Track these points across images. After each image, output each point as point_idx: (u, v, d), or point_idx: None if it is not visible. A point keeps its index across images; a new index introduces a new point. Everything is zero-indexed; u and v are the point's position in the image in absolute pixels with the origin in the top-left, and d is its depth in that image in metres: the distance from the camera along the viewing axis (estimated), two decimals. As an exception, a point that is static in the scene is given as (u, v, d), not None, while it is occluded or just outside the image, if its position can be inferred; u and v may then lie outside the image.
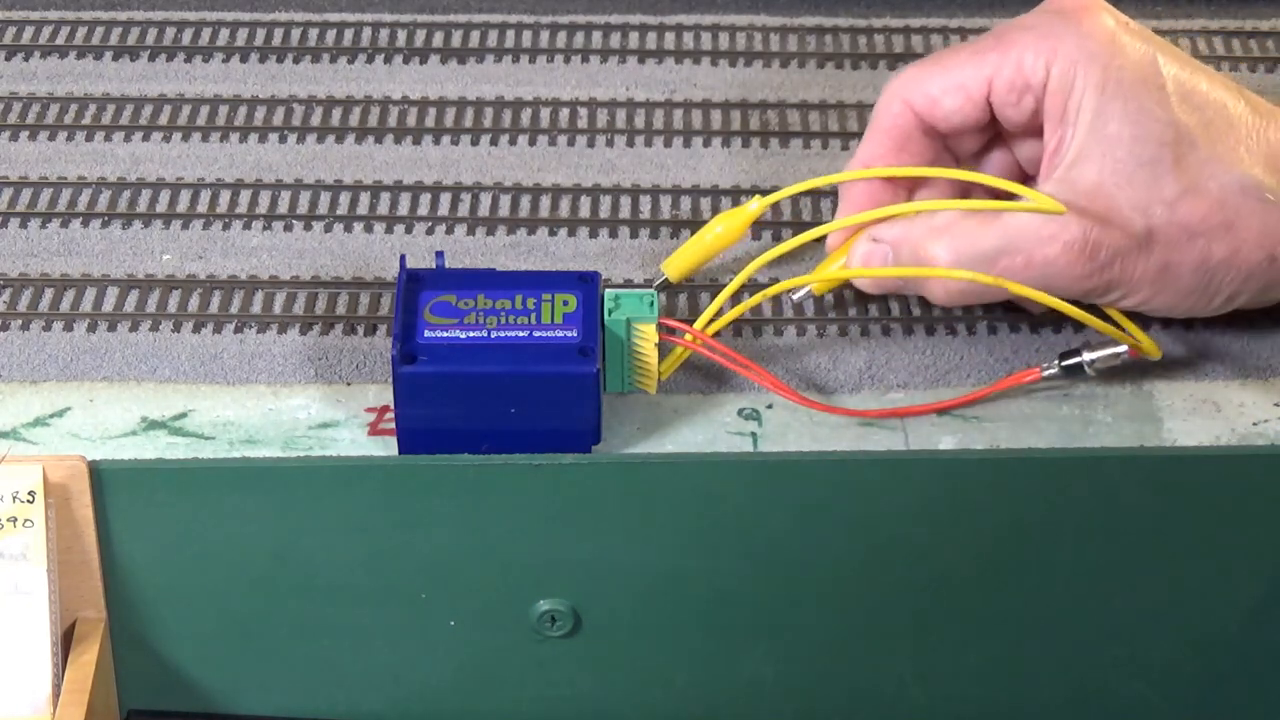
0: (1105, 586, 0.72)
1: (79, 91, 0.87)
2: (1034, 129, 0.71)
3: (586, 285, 0.68)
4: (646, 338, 0.68)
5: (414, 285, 0.68)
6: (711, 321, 0.70)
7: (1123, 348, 0.70)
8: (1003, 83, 0.70)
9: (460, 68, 0.89)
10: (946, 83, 0.71)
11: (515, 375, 0.66)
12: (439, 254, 0.70)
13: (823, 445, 0.69)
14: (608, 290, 0.68)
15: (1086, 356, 0.71)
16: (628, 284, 0.76)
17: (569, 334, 0.66)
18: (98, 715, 0.68)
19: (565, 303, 0.67)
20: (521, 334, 0.66)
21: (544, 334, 0.66)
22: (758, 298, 0.72)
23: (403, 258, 0.69)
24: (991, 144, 0.74)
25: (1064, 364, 0.71)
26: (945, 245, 0.68)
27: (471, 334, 0.66)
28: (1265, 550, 0.71)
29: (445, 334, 0.66)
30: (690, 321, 0.71)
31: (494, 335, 0.66)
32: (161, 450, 0.69)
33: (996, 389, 0.71)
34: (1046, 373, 0.71)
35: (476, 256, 0.77)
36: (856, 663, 0.73)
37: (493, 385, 0.66)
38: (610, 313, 0.68)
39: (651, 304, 0.68)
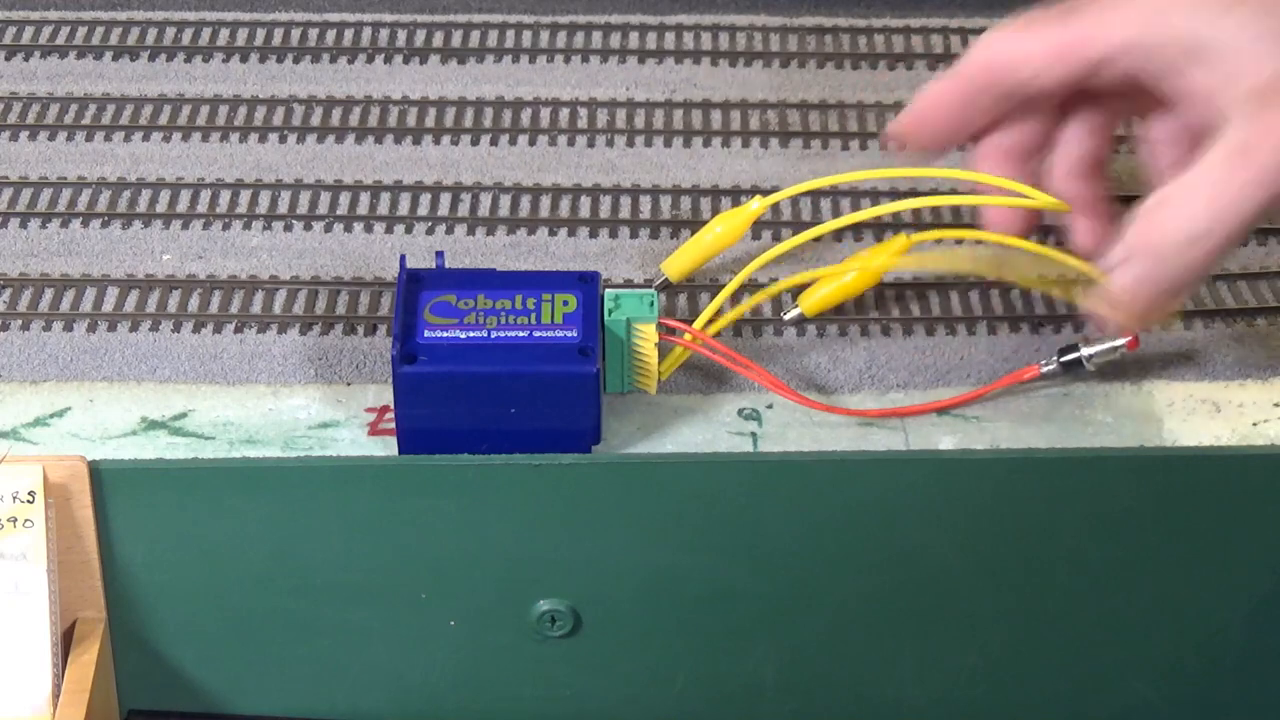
0: (1105, 586, 0.72)
1: (79, 91, 0.87)
2: (1127, 91, 0.69)
3: (586, 285, 0.68)
4: (646, 338, 0.68)
5: (414, 285, 0.68)
6: (711, 321, 0.70)
7: (1121, 342, 0.70)
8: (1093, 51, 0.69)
9: (460, 68, 0.89)
10: (1038, 45, 0.69)
11: (515, 375, 0.66)
12: (439, 254, 0.70)
13: (823, 445, 0.69)
14: (608, 290, 0.68)
15: (1085, 351, 0.71)
16: (628, 284, 0.76)
17: (569, 334, 0.66)
18: (98, 715, 0.68)
19: (565, 303, 0.67)
20: (521, 334, 0.66)
21: (544, 334, 0.66)
22: (760, 296, 0.72)
23: (402, 258, 0.69)
24: (1078, 106, 0.72)
25: (1063, 360, 0.71)
26: (1204, 207, 0.65)
27: (471, 334, 0.66)
28: (1265, 550, 0.71)
29: (445, 334, 0.66)
30: (690, 321, 0.71)
31: (494, 335, 0.66)
32: (161, 450, 0.69)
33: (996, 387, 0.71)
34: (1045, 369, 0.71)
35: (476, 256, 0.77)
36: (856, 663, 0.73)
37: (493, 385, 0.66)
38: (610, 313, 0.68)
39: (651, 304, 0.68)
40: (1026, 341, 0.74)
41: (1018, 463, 0.69)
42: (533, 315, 0.67)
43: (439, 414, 0.66)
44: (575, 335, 0.66)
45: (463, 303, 0.67)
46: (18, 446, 0.69)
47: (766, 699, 0.73)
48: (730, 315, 0.71)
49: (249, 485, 0.68)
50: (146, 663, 0.71)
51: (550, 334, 0.66)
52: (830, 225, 0.72)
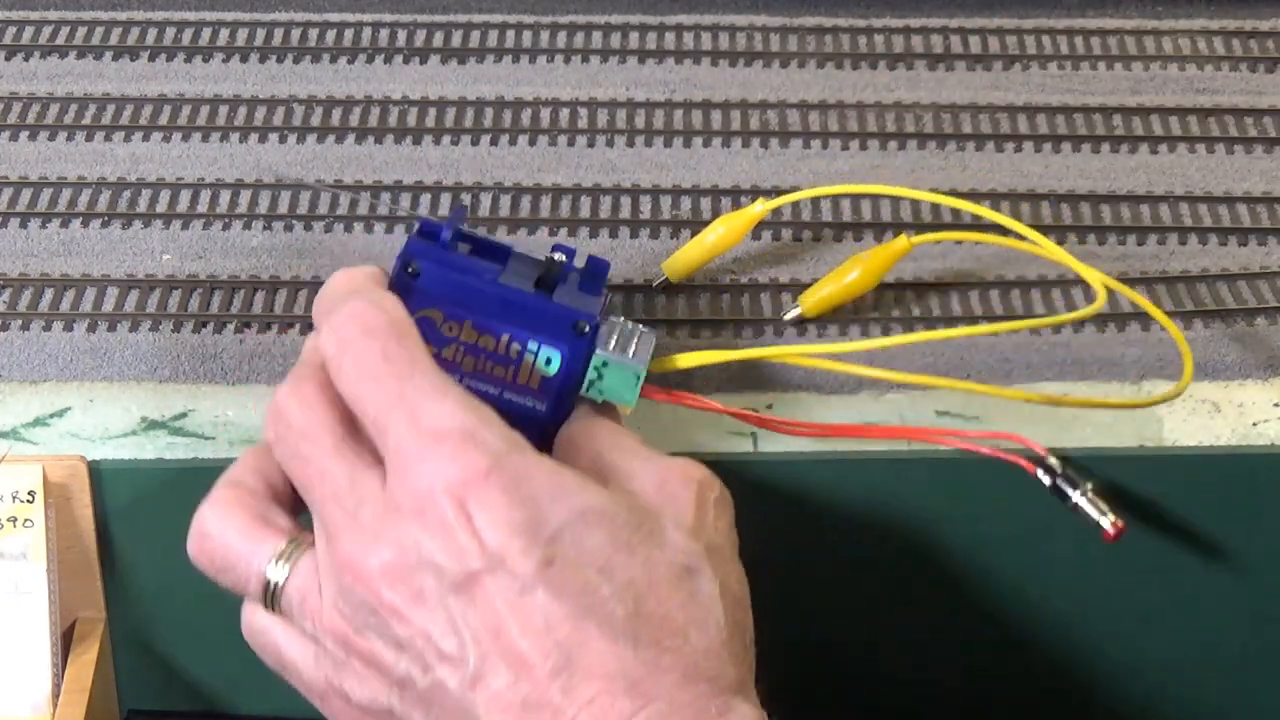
0: (1105, 587, 0.72)
1: (79, 91, 0.87)
2: None
3: (577, 341, 0.63)
4: (622, 412, 0.65)
5: (403, 292, 0.63)
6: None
7: (1105, 525, 0.65)
8: None
9: (460, 68, 0.89)
10: None
11: None
12: (460, 208, 0.65)
13: (823, 445, 0.69)
14: (596, 354, 0.63)
15: (1073, 498, 0.66)
16: (628, 284, 0.76)
17: (538, 405, 0.63)
18: (98, 715, 0.68)
19: (548, 361, 0.63)
20: (492, 390, 0.63)
21: (513, 397, 0.63)
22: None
23: (406, 248, 0.64)
24: None
25: (1052, 483, 0.66)
26: None
27: (446, 373, 0.63)
28: (1265, 550, 0.71)
29: None
30: (690, 323, 0.70)
31: (466, 380, 0.63)
32: (161, 450, 0.69)
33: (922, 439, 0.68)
34: (1040, 474, 0.67)
35: (476, 256, 0.77)
36: (855, 662, 0.73)
37: None
38: (590, 385, 0.63)
39: (636, 380, 0.64)
40: (1026, 341, 0.74)
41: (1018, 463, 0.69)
42: (510, 369, 0.63)
43: None
44: (542, 408, 0.63)
45: (447, 327, 0.63)
46: (18, 446, 0.69)
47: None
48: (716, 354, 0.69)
49: (249, 485, 0.68)
50: (146, 663, 0.71)
51: (519, 399, 0.63)
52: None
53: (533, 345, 0.63)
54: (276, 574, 0.58)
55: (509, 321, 0.63)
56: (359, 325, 0.58)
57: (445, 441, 0.55)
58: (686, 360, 0.67)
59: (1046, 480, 0.66)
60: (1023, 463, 0.66)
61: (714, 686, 0.54)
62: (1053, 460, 0.66)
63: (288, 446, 0.58)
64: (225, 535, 0.59)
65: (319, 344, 0.59)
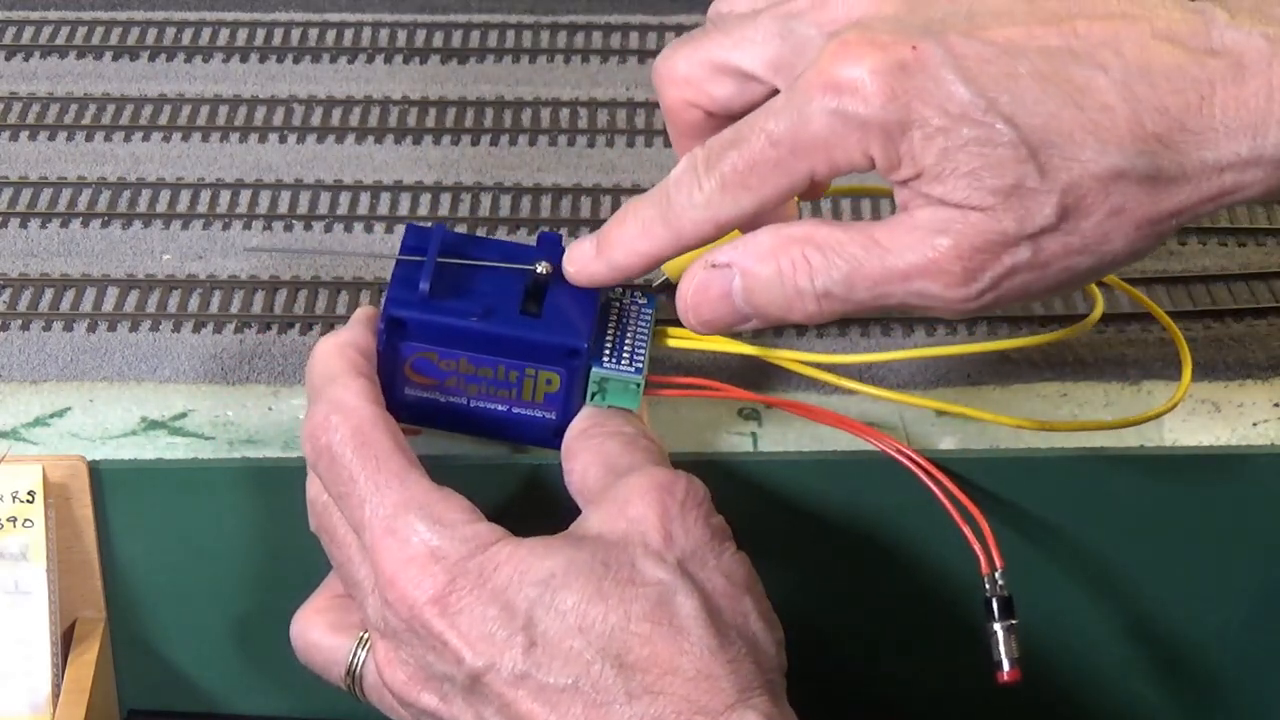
0: (1104, 586, 0.72)
1: (79, 91, 0.87)
2: None
3: (573, 361, 0.64)
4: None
5: (395, 334, 0.63)
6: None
7: (1006, 669, 0.64)
8: None
9: (460, 68, 0.89)
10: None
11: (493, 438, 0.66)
12: (438, 228, 0.65)
13: (823, 445, 0.69)
14: (593, 370, 0.65)
15: (998, 638, 0.64)
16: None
17: (548, 415, 0.65)
18: (98, 715, 0.68)
19: (549, 382, 0.64)
20: (501, 407, 0.65)
21: (522, 411, 0.65)
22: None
23: (387, 302, 0.63)
24: None
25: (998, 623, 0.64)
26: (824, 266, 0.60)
27: (452, 399, 0.65)
28: (1265, 550, 0.71)
29: (425, 394, 0.65)
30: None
31: (473, 404, 0.65)
32: (161, 450, 0.69)
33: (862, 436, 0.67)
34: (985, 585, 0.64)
35: (476, 256, 0.77)
36: (855, 661, 0.73)
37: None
38: (593, 396, 0.65)
39: (637, 387, 0.65)
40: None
41: (1017, 463, 0.69)
42: (514, 390, 0.65)
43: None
44: (553, 417, 0.65)
45: (445, 363, 0.64)
46: (18, 446, 0.69)
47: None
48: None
49: (249, 485, 0.68)
50: (146, 663, 0.71)
51: (529, 412, 0.65)
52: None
53: (530, 370, 0.64)
54: (355, 672, 0.63)
55: (502, 354, 0.64)
56: (324, 435, 0.61)
57: (414, 563, 0.59)
58: (676, 340, 0.67)
59: (988, 590, 0.64)
60: (981, 559, 0.64)
61: (710, 716, 0.56)
62: (1000, 580, 0.64)
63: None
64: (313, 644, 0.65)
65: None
